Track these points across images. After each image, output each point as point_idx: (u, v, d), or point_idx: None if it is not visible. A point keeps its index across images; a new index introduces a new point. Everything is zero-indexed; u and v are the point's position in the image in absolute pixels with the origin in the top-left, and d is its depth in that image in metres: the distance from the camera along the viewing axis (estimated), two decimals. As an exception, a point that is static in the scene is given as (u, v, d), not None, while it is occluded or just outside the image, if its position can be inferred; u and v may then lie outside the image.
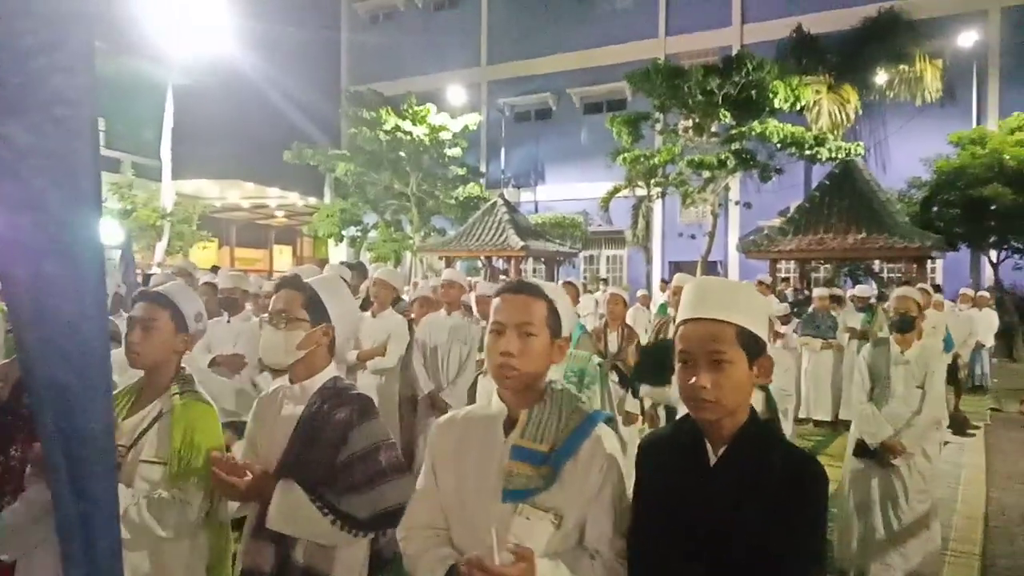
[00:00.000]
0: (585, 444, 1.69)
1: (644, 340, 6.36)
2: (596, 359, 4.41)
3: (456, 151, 21.20)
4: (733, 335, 1.55)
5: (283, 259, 30.92)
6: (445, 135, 20.56)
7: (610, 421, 1.79)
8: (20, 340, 1.33)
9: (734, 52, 18.33)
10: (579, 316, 5.91)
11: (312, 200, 25.32)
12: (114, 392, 2.64)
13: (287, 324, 2.15)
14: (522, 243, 15.81)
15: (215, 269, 10.94)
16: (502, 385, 1.75)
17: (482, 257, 17.37)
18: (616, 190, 18.71)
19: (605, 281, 17.90)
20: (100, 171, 1.34)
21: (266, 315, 2.25)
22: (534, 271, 20.78)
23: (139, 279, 8.15)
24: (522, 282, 1.82)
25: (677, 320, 1.63)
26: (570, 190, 23.80)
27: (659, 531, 1.61)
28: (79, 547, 1.34)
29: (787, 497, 1.49)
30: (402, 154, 20.73)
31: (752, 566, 1.49)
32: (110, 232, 16.63)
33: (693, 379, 1.54)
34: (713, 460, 1.59)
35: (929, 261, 14.31)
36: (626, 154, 17.48)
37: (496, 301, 1.78)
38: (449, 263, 17.21)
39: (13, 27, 1.18)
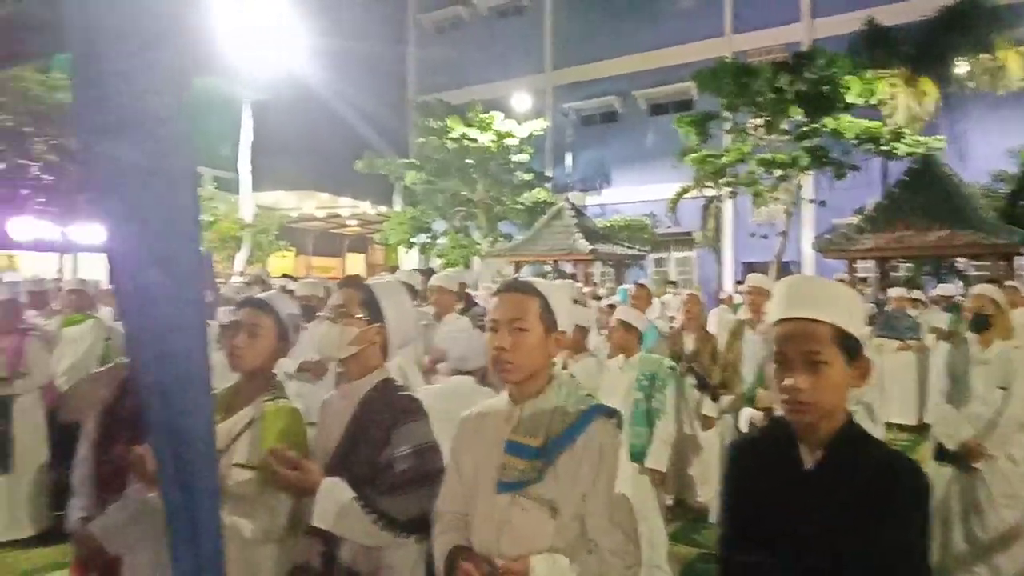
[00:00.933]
0: (580, 438, 1.75)
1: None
2: (668, 362, 4.39)
3: (522, 157, 21.29)
4: (829, 335, 1.52)
5: (356, 267, 31.59)
6: (511, 141, 20.67)
7: (612, 415, 1.83)
8: (129, 344, 1.43)
9: (804, 48, 17.85)
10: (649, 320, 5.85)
11: (383, 209, 25.83)
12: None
13: (343, 319, 2.22)
14: (590, 247, 15.75)
15: (286, 278, 11.31)
16: (501, 379, 1.85)
17: (550, 261, 17.38)
18: (684, 191, 18.46)
19: (674, 284, 17.64)
20: (197, 185, 1.42)
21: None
22: (602, 274, 20.68)
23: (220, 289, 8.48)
24: (516, 280, 1.92)
25: (770, 320, 1.62)
26: (637, 192, 23.58)
27: (750, 537, 1.60)
28: (186, 539, 1.43)
29: (888, 504, 1.45)
30: (469, 161, 20.93)
31: None
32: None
33: (789, 380, 1.52)
34: (808, 464, 1.56)
35: (1017, 257, 13.62)
36: (694, 154, 17.22)
37: (493, 300, 1.89)
38: (517, 268, 17.29)
39: (114, 52, 1.28)
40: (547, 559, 1.67)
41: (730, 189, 18.01)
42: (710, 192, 18.51)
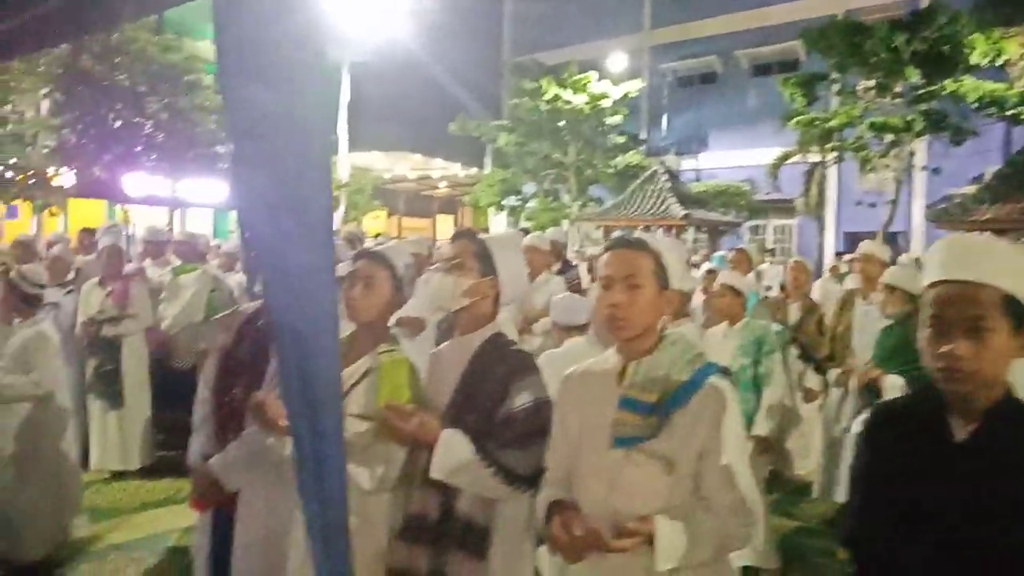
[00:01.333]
0: (696, 396, 1.73)
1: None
2: (775, 327, 4.24)
3: (616, 119, 20.88)
4: (997, 300, 1.38)
5: (446, 229, 31.98)
6: (605, 103, 20.29)
7: (725, 373, 1.79)
8: (264, 289, 1.46)
9: (923, 5, 16.71)
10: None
11: (473, 171, 25.94)
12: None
13: (456, 270, 2.22)
14: (684, 212, 15.40)
15: (378, 237, 11.56)
16: (613, 336, 1.84)
17: (641, 227, 17.09)
18: (786, 156, 17.71)
19: (771, 252, 17.06)
20: (330, 131, 1.42)
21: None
22: (695, 241, 20.21)
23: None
24: (627, 237, 1.89)
25: (926, 281, 1.50)
26: (735, 157, 22.81)
27: (892, 513, 1.50)
28: (313, 478, 1.46)
29: None
30: (561, 123, 20.70)
31: (1003, 560, 1.34)
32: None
33: (946, 347, 1.40)
34: (960, 437, 1.44)
35: None
36: (799, 117, 16.48)
37: (604, 256, 1.86)
38: (607, 233, 17.09)
39: (250, -2, 1.28)
40: (669, 521, 1.64)
41: (836, 154, 17.20)
42: (814, 157, 17.70)
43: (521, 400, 2.05)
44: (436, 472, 2.01)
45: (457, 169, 25.95)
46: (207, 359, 2.91)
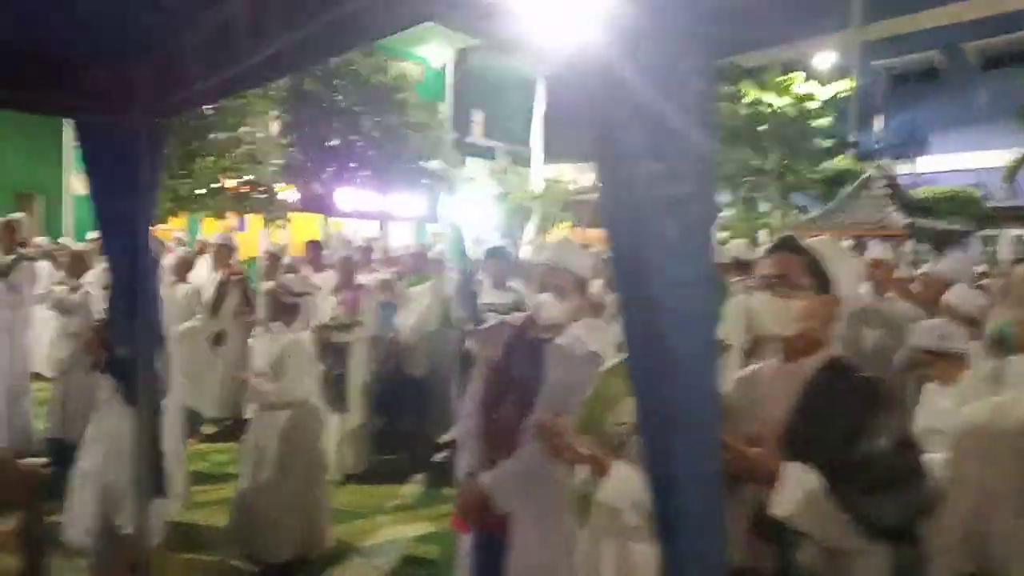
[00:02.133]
0: None
1: None
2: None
3: (823, 121, 19.50)
4: None
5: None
6: (812, 105, 19.00)
7: None
8: (624, 297, 1.27)
9: None
10: None
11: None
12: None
13: (788, 290, 1.90)
14: (907, 220, 13.98)
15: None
16: None
17: (849, 237, 15.74)
18: (1029, 156, 15.71)
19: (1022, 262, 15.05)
20: (712, 121, 1.21)
21: (758, 279, 2.04)
22: (915, 252, 18.41)
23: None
24: None
25: None
26: (959, 160, 20.58)
27: None
28: (693, 537, 1.23)
29: None
30: (763, 128, 19.62)
31: None
32: (488, 212, 18.50)
33: None
34: None
35: None
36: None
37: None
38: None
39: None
40: None
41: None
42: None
43: (882, 439, 1.71)
44: (779, 509, 1.70)
45: (643, 179, 25.47)
46: (473, 372, 2.82)
